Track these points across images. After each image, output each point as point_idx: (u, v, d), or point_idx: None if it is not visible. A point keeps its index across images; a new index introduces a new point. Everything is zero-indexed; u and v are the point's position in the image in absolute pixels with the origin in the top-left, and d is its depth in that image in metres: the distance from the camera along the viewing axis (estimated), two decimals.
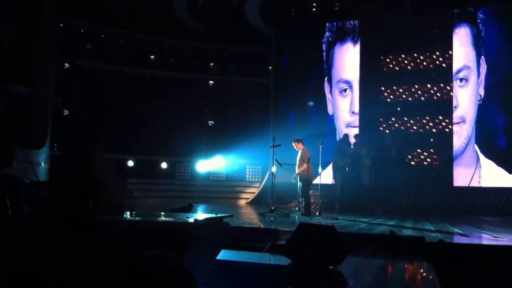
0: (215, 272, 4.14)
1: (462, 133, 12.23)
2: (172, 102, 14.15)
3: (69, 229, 2.77)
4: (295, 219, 8.43)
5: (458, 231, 7.08)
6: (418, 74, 12.81)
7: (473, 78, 12.29)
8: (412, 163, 12.54)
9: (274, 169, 9.58)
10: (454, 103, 12.33)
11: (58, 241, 2.65)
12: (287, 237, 5.19)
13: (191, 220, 3.61)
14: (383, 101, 13.04)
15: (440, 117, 12.48)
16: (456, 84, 12.41)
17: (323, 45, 13.96)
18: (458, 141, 12.22)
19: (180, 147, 14.34)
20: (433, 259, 4.90)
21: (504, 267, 4.79)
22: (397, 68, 13.11)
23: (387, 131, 12.88)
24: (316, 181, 9.54)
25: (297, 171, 9.35)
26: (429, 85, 12.67)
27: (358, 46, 13.50)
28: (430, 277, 4.34)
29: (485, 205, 11.38)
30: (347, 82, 13.54)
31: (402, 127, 12.82)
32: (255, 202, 13.43)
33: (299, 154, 9.37)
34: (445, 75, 12.51)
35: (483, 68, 12.18)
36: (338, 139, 12.77)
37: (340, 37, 13.80)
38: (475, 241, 6.05)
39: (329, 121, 13.68)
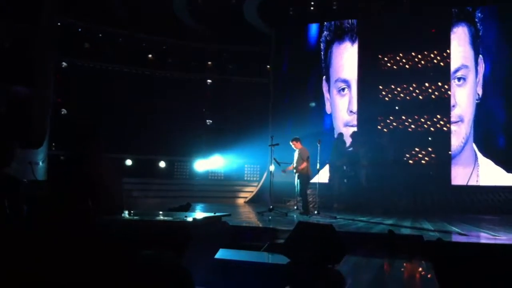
0: (213, 271, 4.15)
1: (460, 132, 12.25)
2: (171, 101, 14.13)
3: (69, 229, 2.78)
4: (294, 218, 8.45)
5: (457, 229, 7.11)
6: (416, 73, 12.81)
7: (471, 77, 12.31)
8: (410, 162, 12.55)
9: (272, 168, 9.59)
10: (452, 102, 12.35)
11: (57, 241, 2.67)
12: (286, 236, 5.21)
13: (190, 219, 3.61)
14: (381, 100, 13.05)
15: (438, 116, 12.50)
16: (454, 83, 12.43)
17: (321, 44, 13.99)
18: (456, 140, 12.25)
19: (179, 146, 14.33)
20: (431, 258, 4.92)
21: (502, 266, 4.80)
22: (395, 67, 13.11)
23: (385, 130, 12.89)
24: (314, 180, 9.54)
25: (294, 168, 9.36)
26: (427, 84, 12.69)
27: (356, 45, 13.52)
28: (429, 276, 4.36)
29: (483, 204, 11.41)
30: (345, 81, 13.56)
31: (400, 126, 12.82)
32: (254, 201, 13.45)
33: (297, 152, 9.38)
34: (443, 74, 12.52)
35: (481, 67, 12.20)
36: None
37: (338, 36, 13.81)
38: (473, 239, 6.09)
39: (328, 120, 13.70)
